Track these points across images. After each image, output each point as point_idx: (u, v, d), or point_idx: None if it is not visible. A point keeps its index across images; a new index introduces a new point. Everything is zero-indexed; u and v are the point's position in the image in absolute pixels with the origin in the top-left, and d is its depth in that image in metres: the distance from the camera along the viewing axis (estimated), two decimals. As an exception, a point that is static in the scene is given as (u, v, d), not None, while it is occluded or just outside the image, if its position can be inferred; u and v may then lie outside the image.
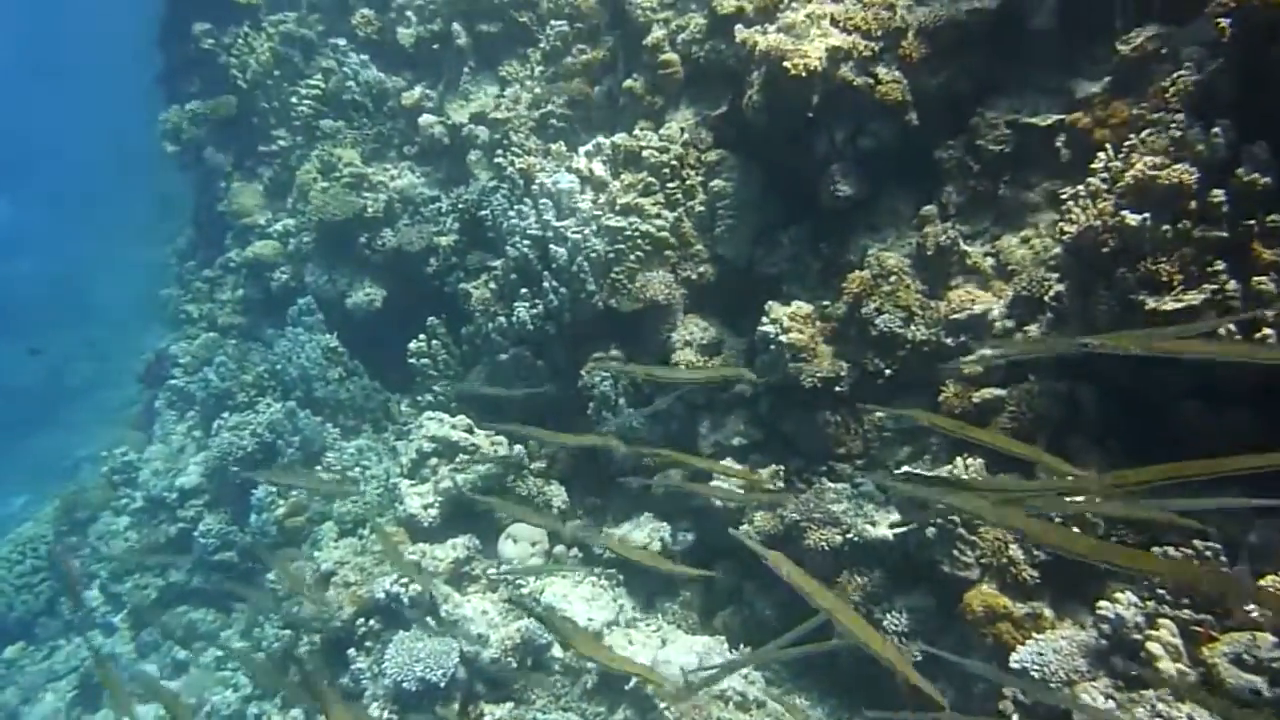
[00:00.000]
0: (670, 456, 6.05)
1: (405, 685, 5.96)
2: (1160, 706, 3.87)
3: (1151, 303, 4.49)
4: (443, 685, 5.97)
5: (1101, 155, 4.85)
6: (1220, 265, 4.33)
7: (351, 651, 6.55)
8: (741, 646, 6.23)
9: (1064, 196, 5.18)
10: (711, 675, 5.35)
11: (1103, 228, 4.65)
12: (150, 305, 13.60)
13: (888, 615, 5.39)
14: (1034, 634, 4.62)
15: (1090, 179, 4.83)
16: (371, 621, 6.61)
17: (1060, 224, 5.00)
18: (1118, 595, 4.28)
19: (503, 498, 6.98)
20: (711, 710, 5.58)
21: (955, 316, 5.70)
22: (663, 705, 5.58)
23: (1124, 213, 4.55)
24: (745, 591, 6.44)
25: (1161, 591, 4.23)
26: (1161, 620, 4.07)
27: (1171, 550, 4.26)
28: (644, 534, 6.73)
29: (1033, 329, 5.37)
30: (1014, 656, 4.48)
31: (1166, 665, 3.94)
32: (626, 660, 5.25)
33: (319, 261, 10.00)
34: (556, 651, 6.25)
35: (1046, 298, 5.27)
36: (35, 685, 9.71)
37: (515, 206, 7.59)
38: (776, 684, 6.06)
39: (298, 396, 9.42)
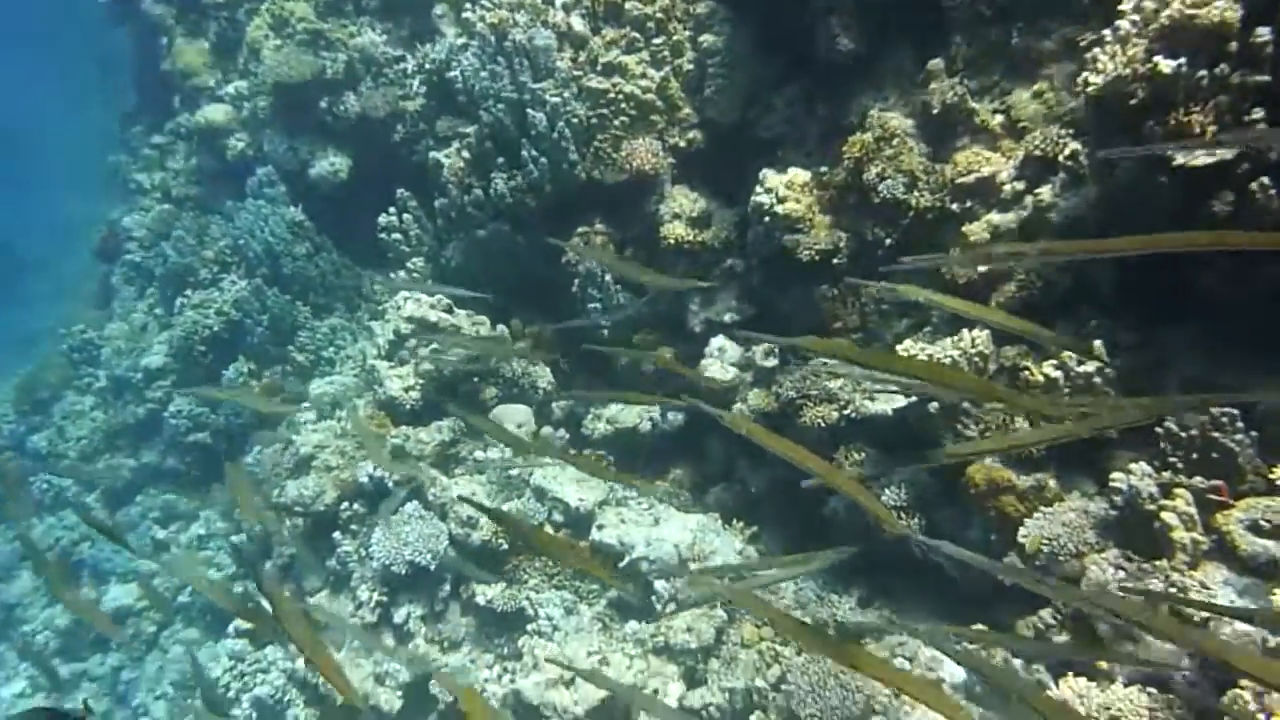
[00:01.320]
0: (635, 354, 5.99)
1: (394, 569, 5.86)
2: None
3: (1180, 159, 4.20)
4: (432, 569, 5.88)
5: (1131, -5, 4.44)
6: (1258, 114, 4.02)
7: (337, 535, 6.42)
8: (734, 522, 6.17)
9: (1086, 44, 4.79)
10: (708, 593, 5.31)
11: (1132, 76, 4.29)
12: (99, 172, 12.81)
13: (886, 490, 5.29)
14: (1039, 507, 4.54)
15: (1119, 22, 4.43)
16: (355, 505, 6.46)
17: (1085, 74, 4.61)
18: (1131, 466, 4.16)
19: (487, 381, 6.79)
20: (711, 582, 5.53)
21: (962, 180, 5.37)
22: (660, 582, 5.52)
23: (1157, 59, 4.19)
24: (738, 468, 6.34)
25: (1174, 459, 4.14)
26: (1177, 490, 3.97)
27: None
28: (632, 415, 6.56)
29: (1044, 191, 5.07)
30: (1021, 530, 4.41)
31: (1181, 535, 3.87)
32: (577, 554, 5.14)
33: (277, 128, 9.35)
34: (548, 528, 6.14)
35: (1061, 157, 4.95)
36: (9, 565, 9.63)
37: (487, 67, 7.01)
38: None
39: (263, 273, 8.96)
